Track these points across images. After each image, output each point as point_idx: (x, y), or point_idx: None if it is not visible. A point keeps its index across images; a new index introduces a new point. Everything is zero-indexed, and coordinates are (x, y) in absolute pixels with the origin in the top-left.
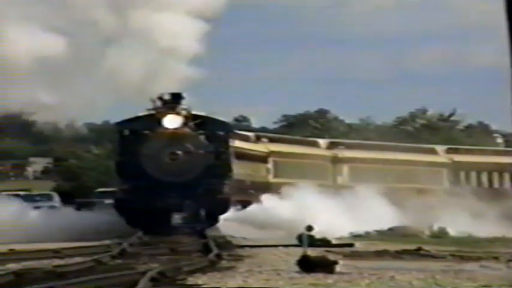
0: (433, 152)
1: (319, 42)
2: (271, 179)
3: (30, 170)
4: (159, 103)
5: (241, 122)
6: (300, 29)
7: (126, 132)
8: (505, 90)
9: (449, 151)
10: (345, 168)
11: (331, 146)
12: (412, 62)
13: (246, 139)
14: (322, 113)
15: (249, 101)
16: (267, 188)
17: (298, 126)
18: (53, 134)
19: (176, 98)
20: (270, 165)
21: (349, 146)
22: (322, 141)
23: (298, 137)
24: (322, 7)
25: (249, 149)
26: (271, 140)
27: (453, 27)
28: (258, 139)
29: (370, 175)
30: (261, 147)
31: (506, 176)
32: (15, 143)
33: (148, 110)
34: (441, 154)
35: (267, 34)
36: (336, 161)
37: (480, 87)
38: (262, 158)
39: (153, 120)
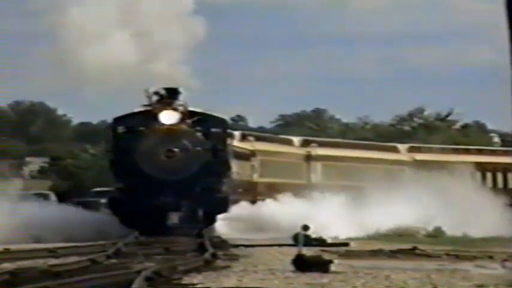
0: (395, 150)
1: (317, 41)
2: (256, 178)
3: (26, 169)
4: (154, 98)
5: (238, 122)
6: (299, 28)
7: (121, 129)
8: (503, 89)
9: (411, 149)
10: (319, 166)
11: (305, 143)
12: (410, 61)
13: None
14: (318, 112)
15: (245, 100)
16: (253, 188)
17: (295, 126)
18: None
19: (173, 93)
20: (255, 164)
21: (321, 144)
22: (295, 139)
23: (273, 135)
24: (322, 7)
25: (237, 147)
26: (257, 139)
27: (452, 27)
28: (243, 138)
29: (340, 173)
30: (247, 146)
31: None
32: (12, 142)
33: (144, 105)
34: (403, 152)
35: (265, 33)
36: (310, 159)
37: (478, 86)
38: (248, 157)
39: (148, 116)
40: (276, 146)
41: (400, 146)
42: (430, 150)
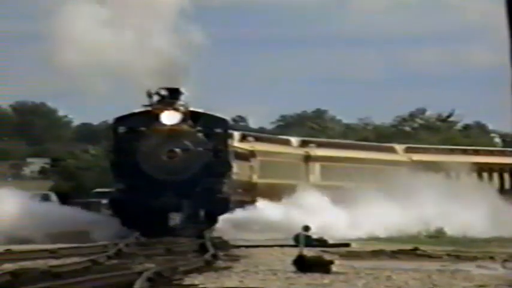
0: (393, 150)
1: (318, 42)
2: (256, 179)
3: (27, 170)
4: (156, 98)
5: (239, 122)
6: (300, 29)
7: (122, 129)
8: (503, 89)
9: (408, 150)
10: (317, 167)
11: (303, 144)
12: (411, 62)
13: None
14: (319, 113)
15: (246, 100)
16: (252, 188)
17: (296, 126)
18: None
19: (174, 93)
20: (254, 164)
21: (319, 144)
22: (294, 140)
23: (272, 136)
24: (322, 7)
25: (236, 147)
26: (257, 139)
27: (453, 27)
28: (243, 138)
29: (338, 173)
30: (246, 146)
31: (463, 175)
32: (13, 143)
33: (145, 106)
34: (400, 153)
35: (266, 34)
36: (308, 159)
37: (479, 87)
38: (247, 158)
39: (150, 116)
40: (275, 147)
41: (397, 146)
42: (427, 151)
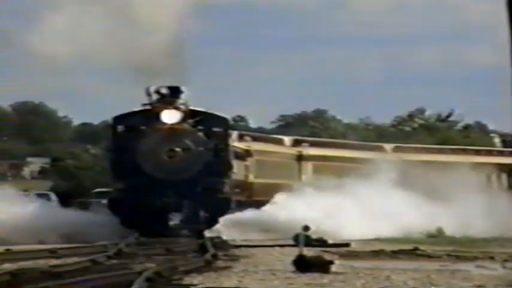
0: (382, 149)
1: (318, 42)
2: (252, 178)
3: (27, 170)
4: (155, 97)
5: (239, 122)
6: (300, 29)
7: (121, 128)
8: (503, 89)
9: (396, 149)
10: (309, 166)
11: (296, 143)
12: (411, 62)
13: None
14: (319, 112)
15: (246, 100)
16: (248, 188)
17: (296, 126)
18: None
19: (174, 92)
20: (250, 164)
21: (312, 144)
22: (286, 139)
23: (266, 135)
24: (322, 7)
25: (234, 147)
26: (253, 139)
27: (453, 27)
28: (240, 137)
29: (330, 172)
30: (242, 145)
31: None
32: (13, 142)
33: (144, 104)
34: (389, 152)
35: (266, 34)
36: (301, 159)
37: (479, 87)
38: (243, 157)
39: (149, 115)
40: (270, 146)
41: (386, 145)
42: (414, 150)
